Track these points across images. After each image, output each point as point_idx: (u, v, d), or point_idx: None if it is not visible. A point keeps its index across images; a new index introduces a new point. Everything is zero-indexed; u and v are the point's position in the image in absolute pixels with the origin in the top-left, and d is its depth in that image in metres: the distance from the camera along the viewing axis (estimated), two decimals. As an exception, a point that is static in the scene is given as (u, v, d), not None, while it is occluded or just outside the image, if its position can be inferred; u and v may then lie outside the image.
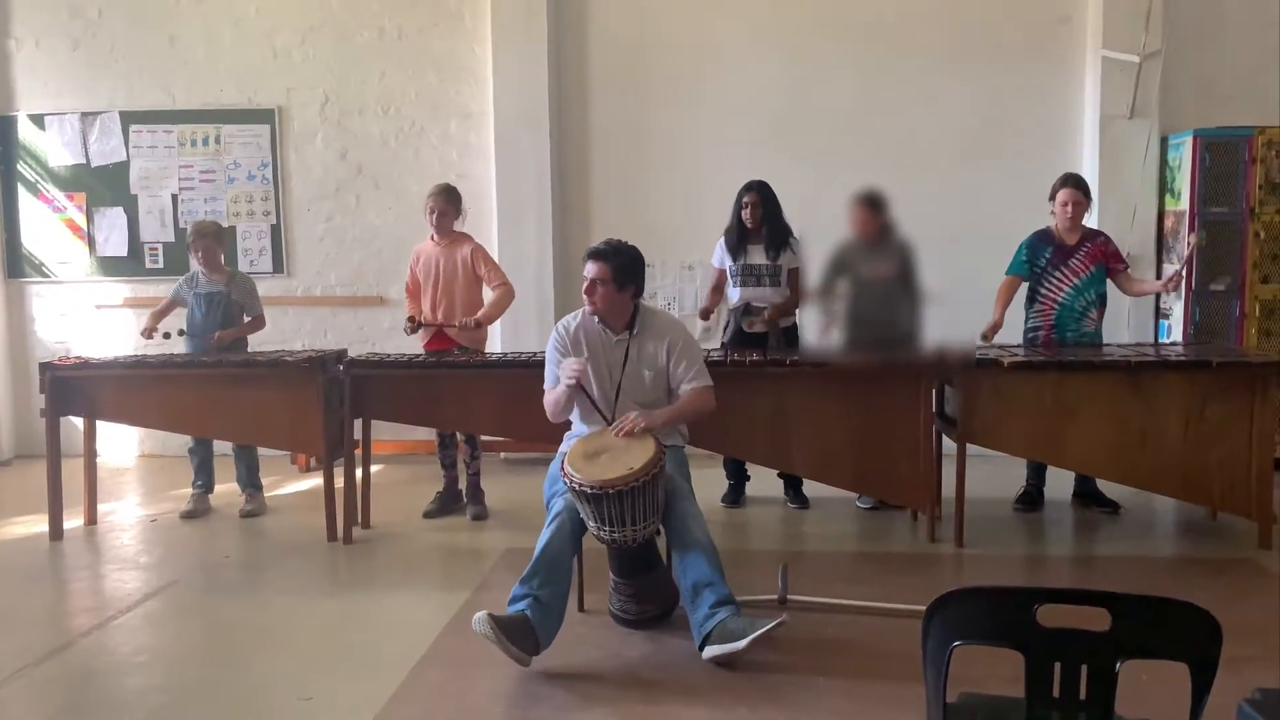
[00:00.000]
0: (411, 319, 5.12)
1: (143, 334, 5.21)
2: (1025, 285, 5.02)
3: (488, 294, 5.19)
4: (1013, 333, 5.03)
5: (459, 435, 5.24)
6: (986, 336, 4.80)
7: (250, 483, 5.35)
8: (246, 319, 5.36)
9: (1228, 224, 5.72)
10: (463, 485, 5.28)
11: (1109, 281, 4.99)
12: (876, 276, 4.74)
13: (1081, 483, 5.10)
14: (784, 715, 2.93)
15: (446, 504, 5.25)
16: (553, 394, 3.76)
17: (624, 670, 3.29)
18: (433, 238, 5.19)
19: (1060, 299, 4.91)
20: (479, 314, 5.06)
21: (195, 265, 5.32)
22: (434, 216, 5.12)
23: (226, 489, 5.43)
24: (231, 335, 5.21)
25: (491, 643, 3.12)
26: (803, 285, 5.03)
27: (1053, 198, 4.95)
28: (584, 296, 3.73)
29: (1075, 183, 4.91)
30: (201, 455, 5.35)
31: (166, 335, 5.18)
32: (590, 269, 3.69)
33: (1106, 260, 4.93)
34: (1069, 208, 4.87)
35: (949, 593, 1.73)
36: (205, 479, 5.36)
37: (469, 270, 5.12)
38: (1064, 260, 4.90)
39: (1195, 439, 4.38)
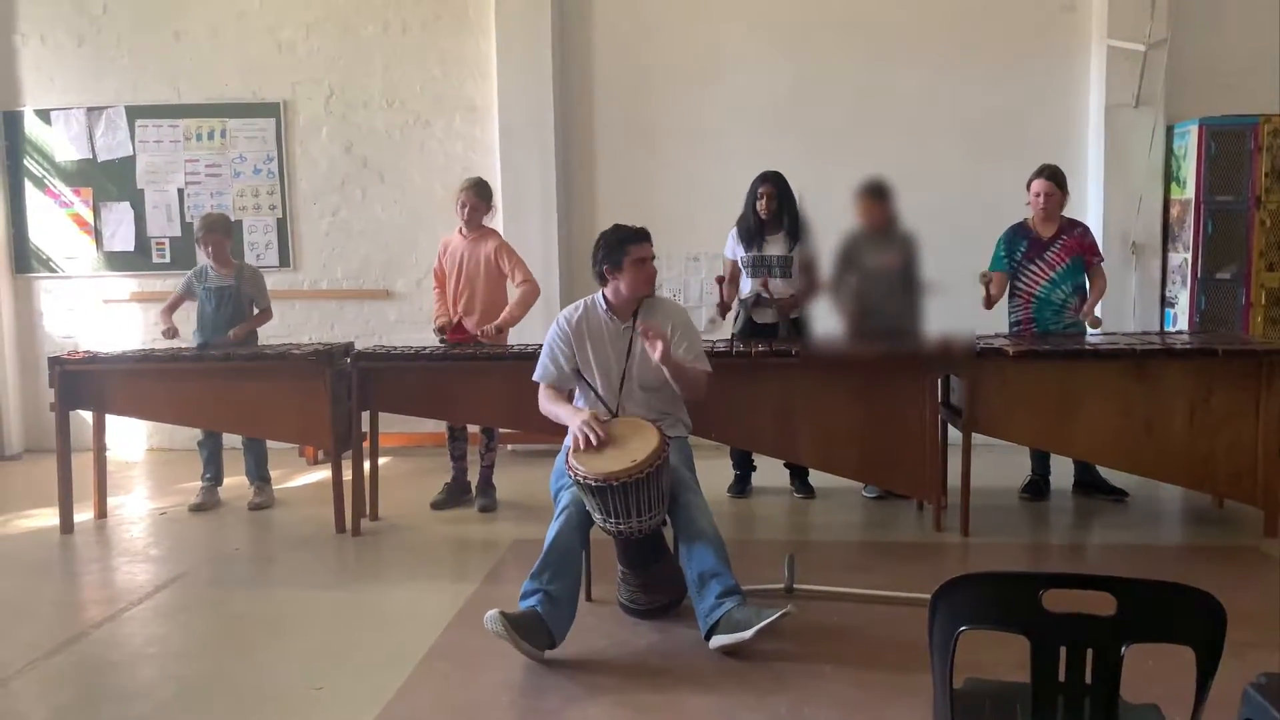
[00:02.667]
0: (441, 329, 5.11)
1: (165, 334, 5.21)
2: None
3: (512, 290, 5.17)
4: (1000, 325, 5.04)
5: (476, 426, 5.24)
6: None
7: (259, 475, 5.37)
8: (254, 312, 5.38)
9: (1233, 212, 5.71)
10: (472, 477, 5.30)
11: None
12: (882, 267, 4.74)
13: (1083, 472, 5.10)
14: (791, 702, 2.95)
15: (454, 495, 5.26)
16: (552, 406, 3.75)
17: (632, 660, 3.31)
18: (461, 230, 5.19)
19: (1037, 292, 4.91)
20: (500, 319, 5.01)
21: (204, 259, 5.34)
22: (465, 211, 5.12)
23: (236, 482, 5.46)
24: (244, 331, 5.24)
25: (504, 640, 3.14)
26: (818, 275, 5.03)
27: (1028, 188, 4.94)
28: (645, 276, 3.71)
29: (1050, 174, 4.89)
30: (210, 448, 5.37)
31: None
32: (649, 249, 3.72)
33: (1083, 253, 4.92)
34: (1041, 198, 4.86)
35: (955, 579, 1.74)
36: (214, 472, 5.38)
37: (492, 266, 5.12)
38: (1040, 253, 4.89)
39: (1201, 427, 4.38)
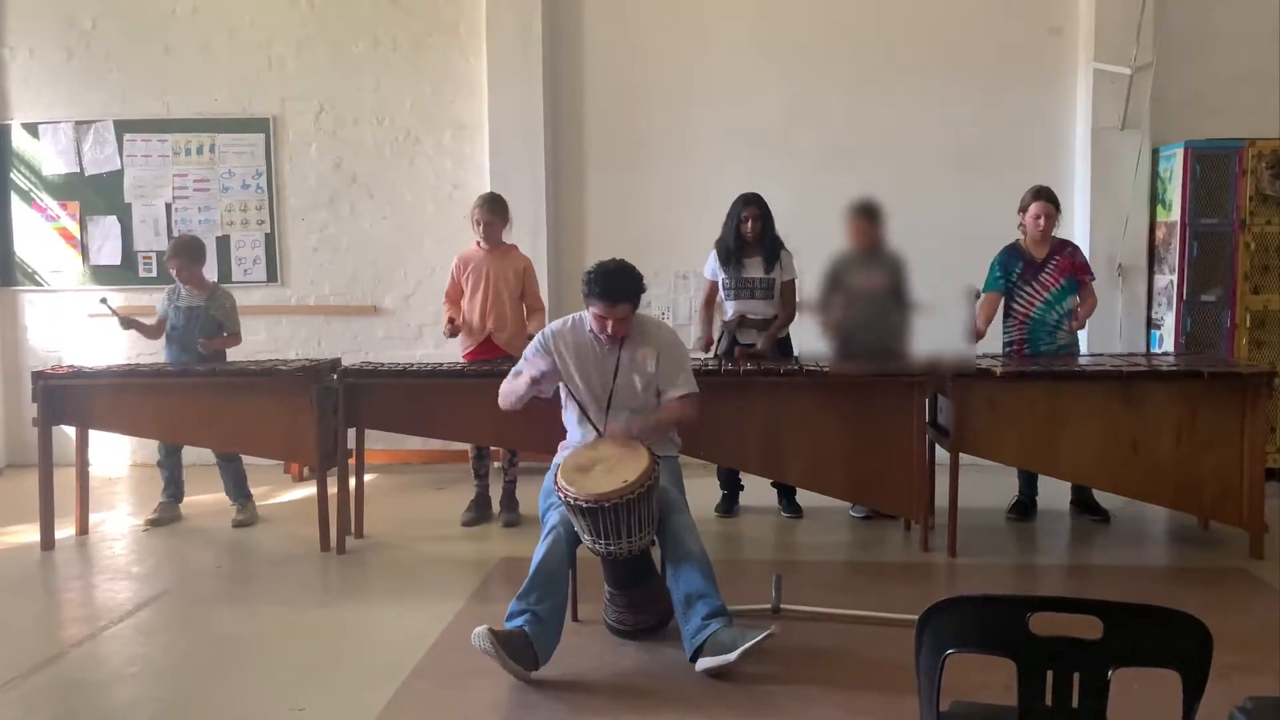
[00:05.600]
0: (451, 320, 5.12)
1: (123, 321, 5.25)
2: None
3: None
4: (993, 345, 5.06)
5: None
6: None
7: (240, 494, 5.33)
8: (224, 335, 5.35)
9: (1219, 235, 5.75)
10: (493, 494, 5.30)
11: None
12: (869, 287, 4.76)
13: (1078, 491, 5.11)
14: (777, 725, 2.93)
15: (482, 512, 5.25)
16: (513, 382, 3.77)
17: (617, 681, 3.28)
18: (479, 243, 5.20)
19: (1032, 313, 4.93)
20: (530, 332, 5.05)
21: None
22: (481, 227, 5.12)
23: (218, 499, 5.41)
24: (217, 345, 5.22)
25: (491, 658, 3.11)
26: (799, 297, 5.05)
27: (1022, 210, 4.97)
28: (602, 330, 3.66)
29: (1046, 196, 4.93)
30: (170, 468, 5.35)
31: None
32: (617, 312, 3.61)
33: (1076, 272, 4.95)
34: (1040, 220, 4.88)
35: (942, 601, 1.73)
36: (174, 490, 5.37)
37: (520, 283, 5.16)
38: (1035, 274, 4.92)
39: (1187, 449, 4.39)
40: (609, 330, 3.65)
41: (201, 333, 5.21)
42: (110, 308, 5.31)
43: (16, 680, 3.34)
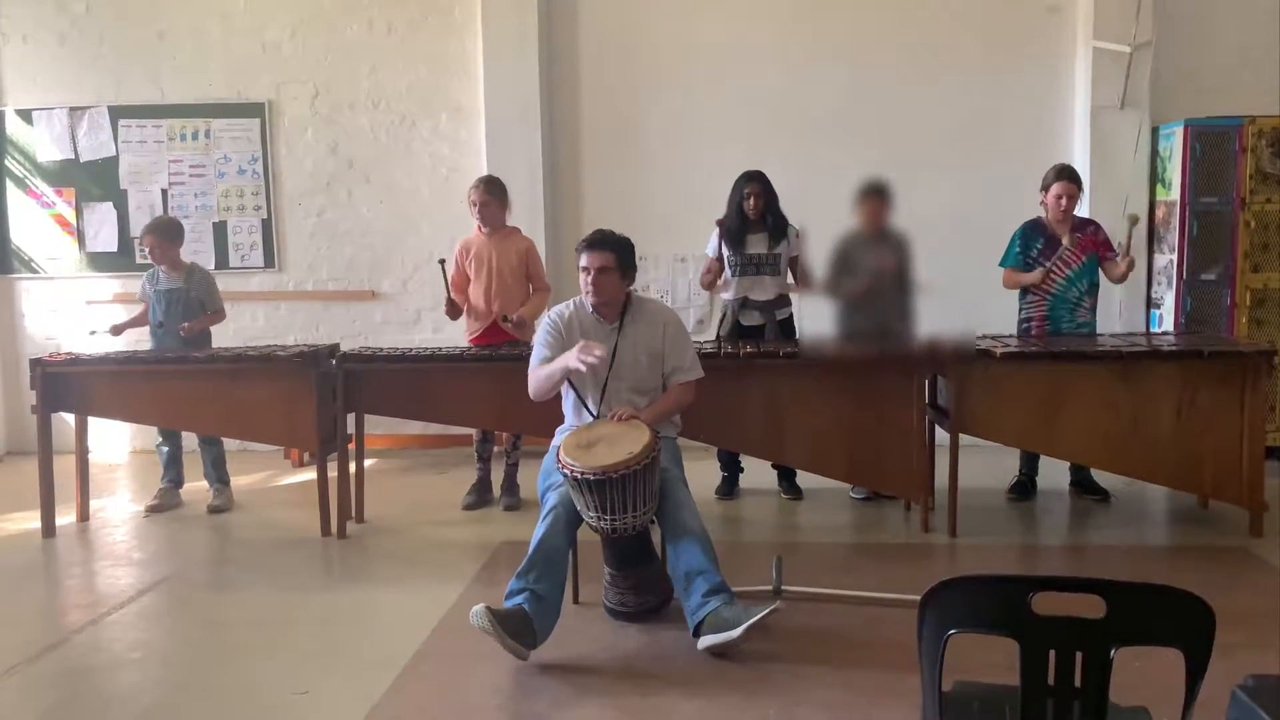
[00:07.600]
0: (452, 302, 5.08)
1: (113, 330, 5.22)
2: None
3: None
4: (1007, 324, 5.05)
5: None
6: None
7: (217, 478, 5.34)
8: (207, 314, 5.34)
9: (1219, 213, 5.74)
10: (494, 478, 5.30)
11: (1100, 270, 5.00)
12: (879, 269, 4.74)
13: (1077, 471, 5.12)
14: (779, 705, 2.94)
15: (483, 496, 5.25)
16: (545, 368, 3.71)
17: (619, 662, 3.29)
18: (479, 228, 5.18)
19: (1053, 290, 4.91)
20: (521, 312, 5.02)
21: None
22: (477, 209, 5.10)
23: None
24: (198, 326, 5.21)
25: (489, 636, 3.12)
26: (805, 273, 5.04)
27: (1044, 189, 4.94)
28: (588, 287, 3.69)
29: (1069, 175, 4.91)
30: (171, 451, 5.35)
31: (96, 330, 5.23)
32: (594, 259, 3.66)
33: (1098, 250, 4.94)
34: (1063, 200, 4.86)
35: (943, 582, 1.73)
36: (175, 474, 5.37)
37: (524, 265, 5.15)
38: (1056, 251, 4.90)
39: (1187, 428, 4.39)
40: (591, 284, 3.66)
41: (184, 315, 5.20)
42: (97, 331, 5.25)
43: (20, 666, 3.35)
